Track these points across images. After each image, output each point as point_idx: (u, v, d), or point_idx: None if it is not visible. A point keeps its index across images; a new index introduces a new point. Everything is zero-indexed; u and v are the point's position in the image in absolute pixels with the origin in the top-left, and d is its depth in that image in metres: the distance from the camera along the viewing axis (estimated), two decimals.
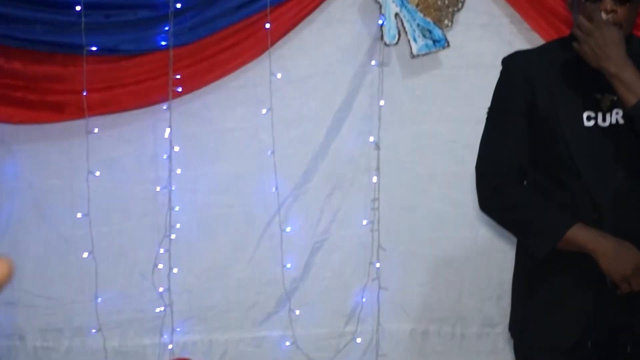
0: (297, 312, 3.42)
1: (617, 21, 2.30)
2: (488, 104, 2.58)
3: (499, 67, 2.55)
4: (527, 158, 2.45)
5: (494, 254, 3.36)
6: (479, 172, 2.51)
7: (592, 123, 2.35)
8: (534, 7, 3.34)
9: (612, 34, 2.26)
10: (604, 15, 2.28)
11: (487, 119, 2.52)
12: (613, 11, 2.30)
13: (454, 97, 3.42)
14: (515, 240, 2.61)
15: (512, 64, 2.51)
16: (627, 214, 2.34)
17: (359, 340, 3.45)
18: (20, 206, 3.32)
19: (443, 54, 3.38)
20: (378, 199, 3.40)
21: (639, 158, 2.34)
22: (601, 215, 2.33)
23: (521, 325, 2.53)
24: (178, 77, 3.23)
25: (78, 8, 3.11)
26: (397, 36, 3.32)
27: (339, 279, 3.46)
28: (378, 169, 3.40)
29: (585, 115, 2.36)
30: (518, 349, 2.58)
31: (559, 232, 2.33)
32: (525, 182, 2.48)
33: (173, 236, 3.33)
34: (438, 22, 3.34)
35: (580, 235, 2.31)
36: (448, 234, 3.44)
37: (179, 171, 3.33)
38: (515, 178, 2.46)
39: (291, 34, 3.35)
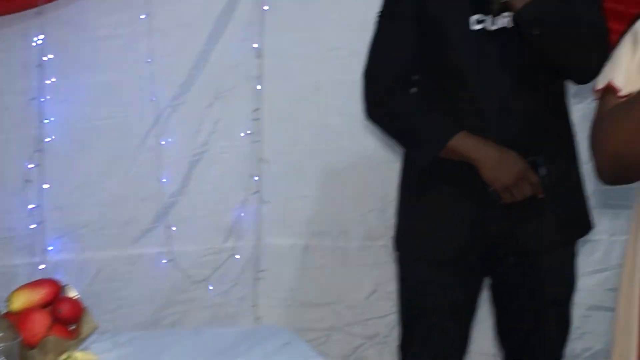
0: (174, 228, 3.49)
1: None
2: (374, 9, 2.63)
3: None
4: (415, 65, 2.55)
5: (379, 166, 3.49)
6: (366, 79, 2.61)
7: (480, 26, 2.46)
8: None
9: None
10: None
11: (375, 24, 2.61)
12: None
13: (339, 2, 3.49)
14: (400, 150, 2.73)
15: None
16: (512, 122, 2.47)
17: (237, 256, 3.56)
18: None
19: None
20: (260, 109, 3.49)
21: (525, 64, 2.46)
22: (486, 123, 2.46)
23: (404, 238, 2.68)
24: None
25: None
26: None
27: (218, 193, 3.53)
28: (260, 77, 3.47)
29: (473, 18, 2.46)
30: (401, 262, 2.72)
31: (442, 141, 2.46)
32: (413, 90, 2.58)
33: (44, 150, 3.33)
34: None
35: (463, 144, 2.44)
36: (332, 145, 3.54)
37: (51, 80, 3.32)
38: (403, 85, 2.56)
39: None
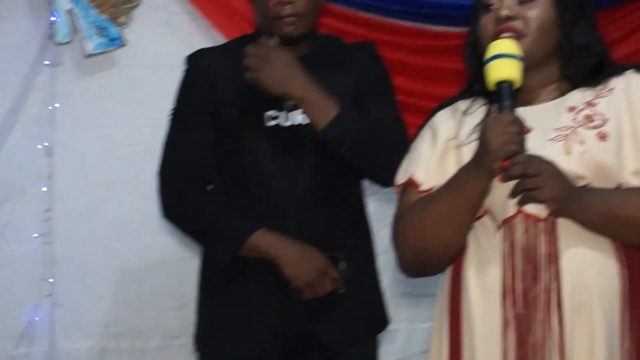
0: None
1: (296, 11, 2.45)
2: (167, 105, 2.65)
3: (179, 67, 2.66)
4: (211, 161, 2.56)
5: (176, 263, 3.48)
6: (161, 177, 2.59)
7: (274, 123, 2.50)
8: (214, 4, 3.52)
9: (285, 56, 2.42)
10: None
11: (170, 120, 2.61)
12: (290, 2, 2.45)
13: (131, 98, 3.52)
14: (198, 248, 2.71)
15: (195, 62, 2.62)
16: (311, 218, 2.51)
17: None
18: None
19: (119, 52, 3.47)
20: (52, 209, 3.44)
21: (322, 161, 2.51)
22: (285, 220, 2.49)
23: (205, 337, 2.64)
24: None
25: None
26: (70, 34, 3.38)
27: (8, 298, 3.43)
28: (51, 176, 3.43)
29: (267, 114, 2.50)
30: None
31: (242, 239, 2.47)
32: (209, 187, 2.58)
33: None
34: (114, 20, 3.42)
35: (263, 241, 2.46)
36: (127, 243, 3.51)
37: None
38: (200, 183, 2.56)
39: None
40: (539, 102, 1.98)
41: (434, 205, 1.90)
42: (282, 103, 2.48)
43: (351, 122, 2.44)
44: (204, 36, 3.56)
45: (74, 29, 3.40)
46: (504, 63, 1.85)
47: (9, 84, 3.42)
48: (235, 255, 2.51)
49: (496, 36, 1.92)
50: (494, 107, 1.89)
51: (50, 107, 3.44)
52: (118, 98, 3.53)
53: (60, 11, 3.38)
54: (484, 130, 1.80)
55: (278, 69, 2.42)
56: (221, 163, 2.59)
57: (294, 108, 2.49)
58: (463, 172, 1.89)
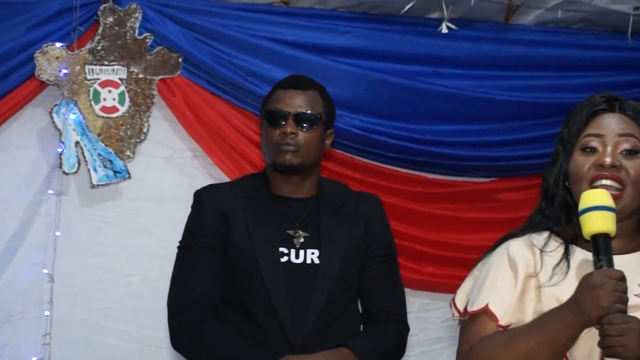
0: None
1: (297, 143, 2.68)
2: (167, 237, 2.83)
3: (181, 201, 2.82)
4: (220, 294, 2.69)
5: None
6: (171, 309, 2.70)
7: (285, 259, 2.67)
8: (216, 142, 3.75)
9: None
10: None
11: (178, 253, 2.75)
12: (293, 133, 2.70)
13: (133, 229, 3.71)
14: None
15: (205, 197, 2.78)
16: (316, 351, 2.62)
17: None
18: None
19: (124, 185, 3.68)
20: (50, 334, 3.56)
21: (332, 299, 2.68)
22: (294, 353, 2.61)
23: None
24: None
25: None
26: (77, 165, 3.59)
27: None
28: (51, 302, 3.57)
29: (278, 250, 2.67)
30: None
31: None
32: (218, 319, 2.67)
33: None
34: (120, 153, 3.66)
35: None
36: None
37: None
38: (209, 314, 2.66)
39: None
40: (621, 253, 2.04)
41: (517, 345, 1.97)
42: (292, 240, 2.70)
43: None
44: (206, 173, 3.80)
45: (81, 160, 3.62)
46: (603, 216, 1.94)
47: (15, 210, 3.60)
48: None
49: (595, 180, 2.02)
50: (592, 258, 1.96)
51: (54, 234, 3.61)
52: (120, 229, 3.73)
53: (68, 142, 3.60)
54: (594, 284, 1.88)
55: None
56: (230, 295, 2.72)
57: (304, 246, 2.72)
58: (554, 317, 1.96)
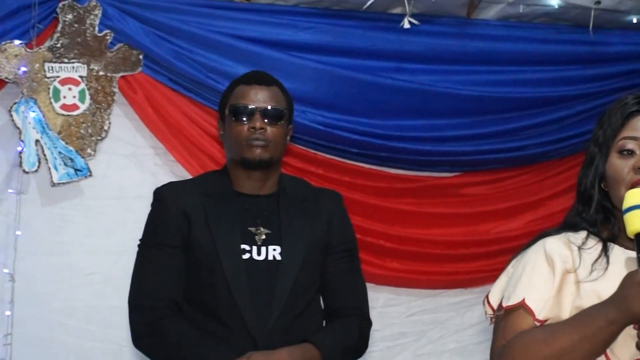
0: None
1: (266, 138, 2.67)
2: (129, 235, 2.83)
3: (143, 198, 2.78)
4: (181, 291, 2.68)
5: None
6: (131, 307, 2.69)
7: (247, 256, 2.67)
8: (178, 139, 3.76)
9: None
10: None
11: (139, 251, 2.73)
12: (262, 128, 2.69)
13: (95, 227, 3.72)
14: None
15: (166, 195, 2.75)
16: (281, 345, 2.61)
17: None
18: None
19: (85, 183, 3.69)
20: (11, 334, 3.54)
21: (295, 295, 2.68)
22: (258, 350, 2.59)
23: None
24: None
25: None
26: (37, 163, 3.58)
27: None
28: (12, 301, 3.56)
29: (240, 247, 2.66)
30: None
31: None
32: (180, 317, 2.66)
33: None
34: (80, 151, 3.65)
35: None
36: None
37: None
38: (170, 312, 2.65)
39: None
40: None
41: (557, 340, 1.96)
42: (253, 237, 2.70)
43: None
44: (168, 170, 3.81)
45: (41, 159, 3.61)
46: None
47: None
48: None
49: (635, 185, 2.01)
50: (637, 256, 1.94)
51: (15, 234, 3.60)
52: (81, 227, 3.73)
53: (28, 141, 3.59)
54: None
55: None
56: (192, 293, 2.71)
57: (266, 243, 2.70)
58: (597, 314, 1.95)
